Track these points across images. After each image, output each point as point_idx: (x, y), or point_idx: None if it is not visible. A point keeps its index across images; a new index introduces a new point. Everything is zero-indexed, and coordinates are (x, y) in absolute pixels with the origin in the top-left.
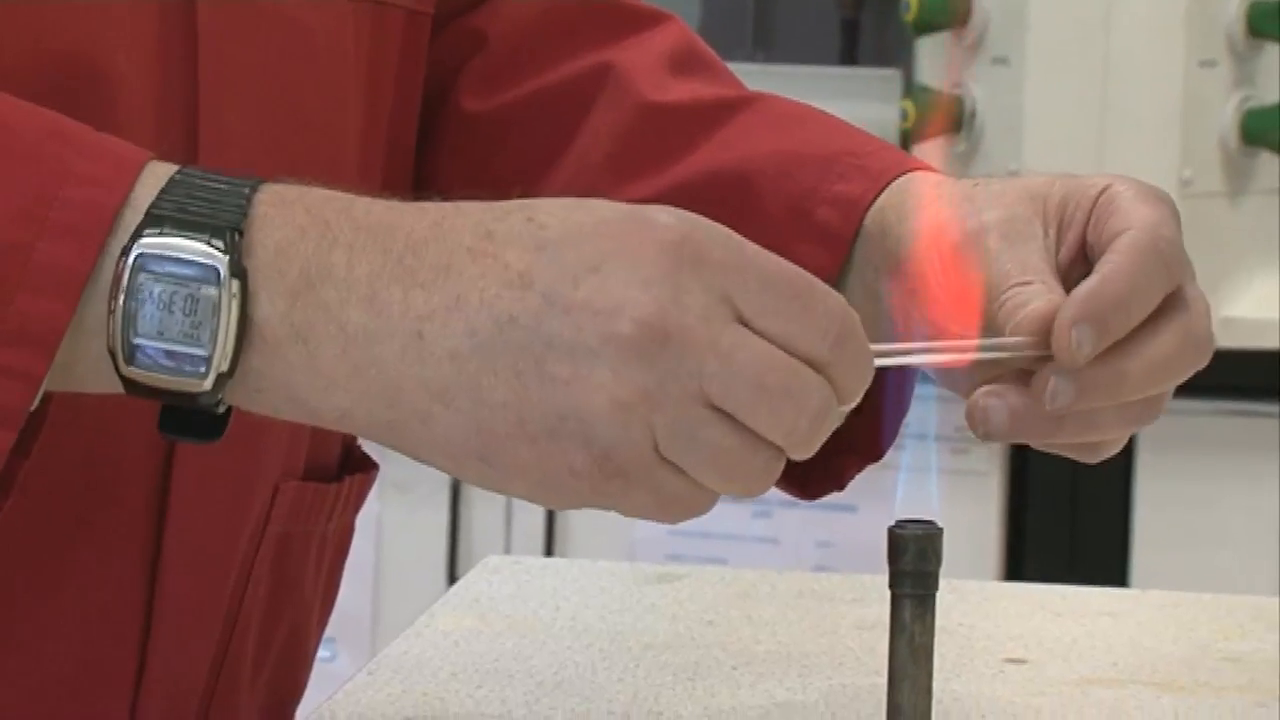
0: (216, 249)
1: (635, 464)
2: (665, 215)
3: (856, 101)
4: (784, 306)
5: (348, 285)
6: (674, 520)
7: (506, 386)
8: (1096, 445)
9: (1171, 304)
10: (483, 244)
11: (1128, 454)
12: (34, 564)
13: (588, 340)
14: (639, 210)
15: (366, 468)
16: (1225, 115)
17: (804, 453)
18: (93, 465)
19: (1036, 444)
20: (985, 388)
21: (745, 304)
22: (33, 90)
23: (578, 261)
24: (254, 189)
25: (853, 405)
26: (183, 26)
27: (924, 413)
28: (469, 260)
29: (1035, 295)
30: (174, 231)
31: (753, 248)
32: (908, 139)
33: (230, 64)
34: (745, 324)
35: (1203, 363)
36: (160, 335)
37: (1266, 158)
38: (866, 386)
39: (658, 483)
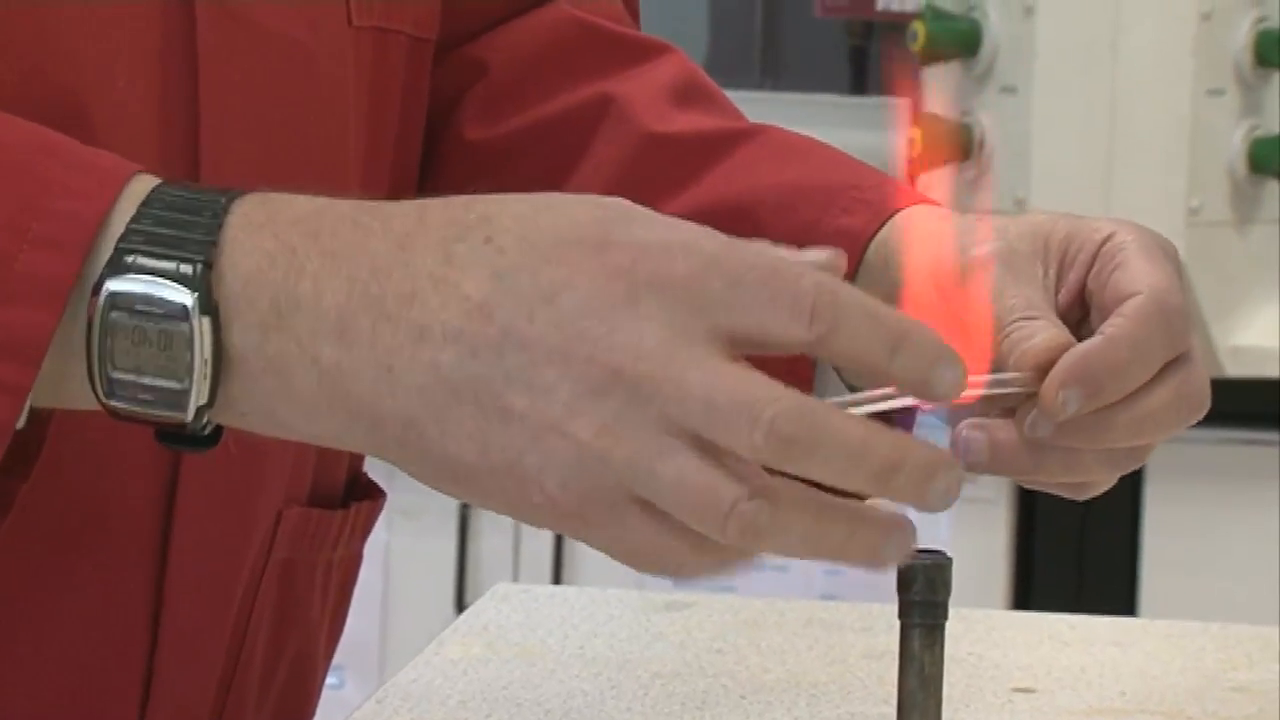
0: (186, 283)
1: (592, 504)
2: (620, 231)
3: (864, 130)
4: (752, 299)
5: (316, 316)
6: (643, 571)
7: (471, 419)
8: (1083, 484)
9: (1171, 362)
10: (443, 270)
11: (1135, 482)
12: (39, 586)
13: (544, 377)
14: (597, 225)
15: (374, 495)
16: (1233, 144)
17: (781, 464)
18: (97, 487)
19: (1020, 480)
20: (970, 420)
21: (714, 308)
22: (33, 116)
23: (533, 291)
24: (227, 208)
25: (913, 399)
26: (183, 51)
27: (934, 441)
28: (431, 289)
29: (1040, 330)
30: (143, 266)
31: (712, 246)
32: (916, 167)
33: (231, 88)
34: (717, 329)
35: (1194, 421)
36: (137, 370)
37: (1274, 186)
38: (883, 350)
39: (620, 525)
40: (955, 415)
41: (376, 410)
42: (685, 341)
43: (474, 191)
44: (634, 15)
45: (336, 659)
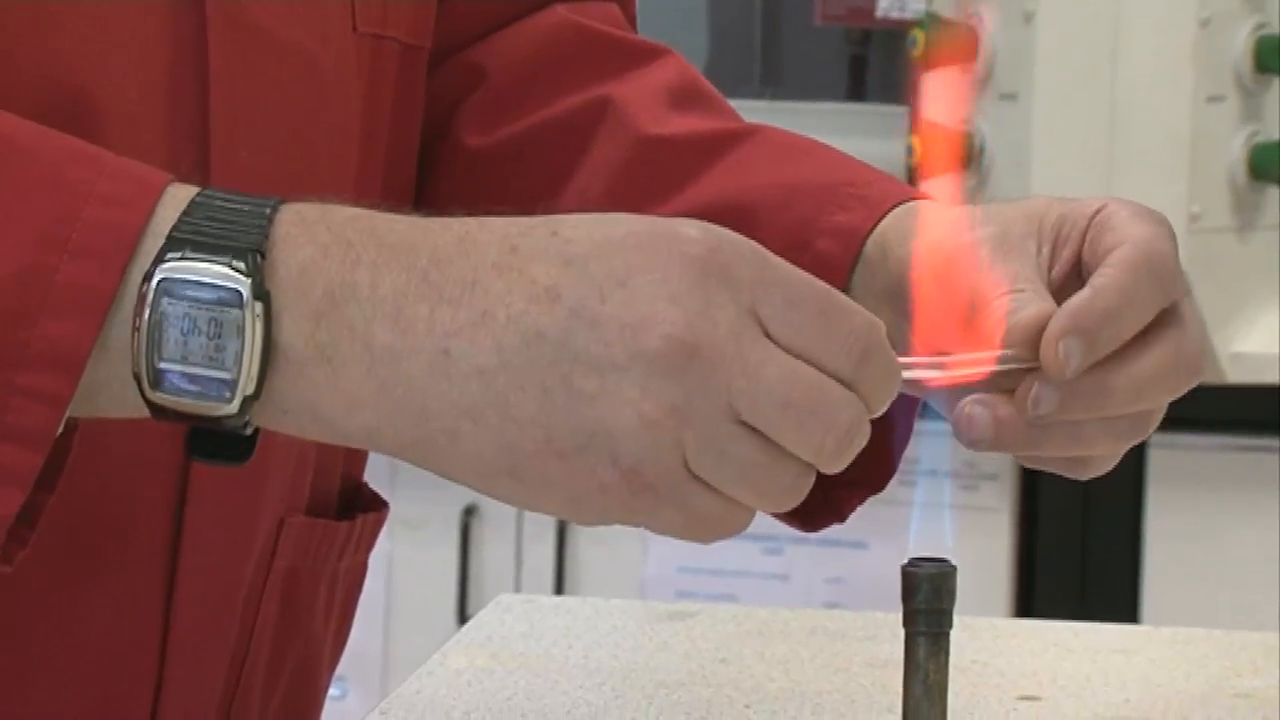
0: (239, 271)
1: (664, 479)
2: (692, 228)
3: (863, 137)
4: (807, 325)
5: (372, 303)
6: (705, 540)
7: (534, 402)
8: (1085, 462)
9: (1164, 321)
10: (508, 258)
11: (1137, 489)
12: (50, 600)
13: (615, 355)
14: (665, 223)
15: (377, 507)
16: (1233, 150)
17: (834, 467)
18: (109, 501)
19: (1023, 459)
20: (971, 396)
21: (770, 321)
22: (45, 125)
23: (605, 275)
24: (275, 209)
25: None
26: (194, 60)
27: (937, 448)
28: (494, 275)
29: (1026, 303)
30: (196, 255)
31: (777, 262)
32: (915, 174)
33: (242, 98)
34: (771, 339)
35: (1193, 383)
36: (185, 359)
37: (1274, 193)
38: (893, 397)
39: (687, 499)
40: (956, 395)
41: (429, 397)
42: (752, 335)
43: (475, 199)
44: (630, 21)
45: (339, 669)
